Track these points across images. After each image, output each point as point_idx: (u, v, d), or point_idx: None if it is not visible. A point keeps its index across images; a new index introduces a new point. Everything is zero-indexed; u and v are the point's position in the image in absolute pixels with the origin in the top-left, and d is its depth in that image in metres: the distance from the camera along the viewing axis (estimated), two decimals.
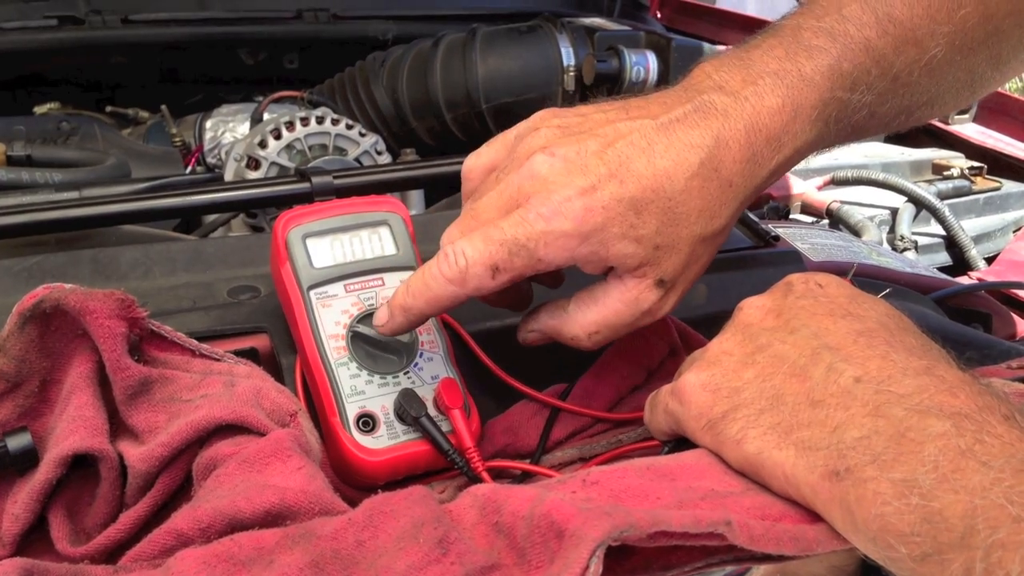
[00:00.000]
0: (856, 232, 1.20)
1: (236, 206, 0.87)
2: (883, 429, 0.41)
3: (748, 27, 1.57)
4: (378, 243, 0.62)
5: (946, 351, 0.47)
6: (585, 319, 0.56)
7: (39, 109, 1.31)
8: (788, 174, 1.27)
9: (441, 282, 0.53)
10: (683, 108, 0.54)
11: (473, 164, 0.60)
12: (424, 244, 0.64)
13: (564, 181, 0.52)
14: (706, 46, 1.40)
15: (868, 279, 0.72)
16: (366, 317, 0.59)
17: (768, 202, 1.20)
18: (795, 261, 0.80)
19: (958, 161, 1.47)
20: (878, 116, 0.58)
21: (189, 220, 1.10)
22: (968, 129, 1.57)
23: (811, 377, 0.46)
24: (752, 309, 0.52)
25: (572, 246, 0.53)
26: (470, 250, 0.52)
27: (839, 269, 0.54)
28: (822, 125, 0.56)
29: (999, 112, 1.58)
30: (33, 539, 0.50)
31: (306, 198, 0.76)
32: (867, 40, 0.55)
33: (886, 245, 1.23)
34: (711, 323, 0.62)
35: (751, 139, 0.54)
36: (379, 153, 1.13)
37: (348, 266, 0.60)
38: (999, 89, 1.57)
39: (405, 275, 0.61)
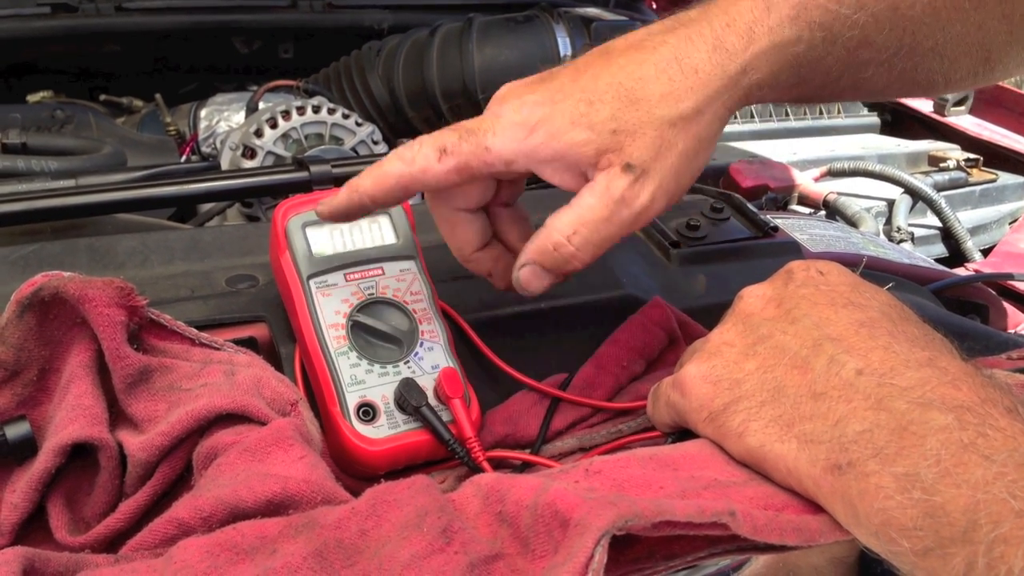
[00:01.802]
0: (853, 223, 1.20)
1: (234, 194, 0.87)
2: (885, 422, 0.41)
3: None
4: (378, 232, 0.62)
5: (949, 341, 0.46)
6: (561, 223, 0.55)
7: (32, 97, 1.30)
8: (786, 165, 1.27)
9: (391, 160, 0.55)
10: (648, 27, 0.56)
11: None
12: (423, 234, 0.64)
13: (520, 89, 0.55)
14: None
15: (868, 270, 0.72)
16: (366, 306, 0.59)
17: (766, 193, 1.19)
18: (794, 251, 0.80)
19: (954, 153, 1.47)
20: (876, 45, 0.56)
21: (184, 210, 1.09)
22: (964, 121, 1.57)
23: (813, 369, 0.46)
24: (753, 298, 0.52)
25: (520, 136, 0.53)
26: (425, 137, 0.55)
27: (839, 260, 0.53)
28: (804, 26, 0.54)
29: (995, 104, 1.58)
30: (32, 528, 0.50)
31: (305, 187, 0.75)
32: None
33: (883, 236, 1.23)
34: (710, 313, 0.63)
35: (717, 33, 0.54)
36: (375, 143, 1.12)
37: (348, 255, 0.60)
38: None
39: (405, 264, 0.61)
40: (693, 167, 0.56)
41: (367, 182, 0.55)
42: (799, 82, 0.57)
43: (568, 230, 0.54)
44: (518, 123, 0.53)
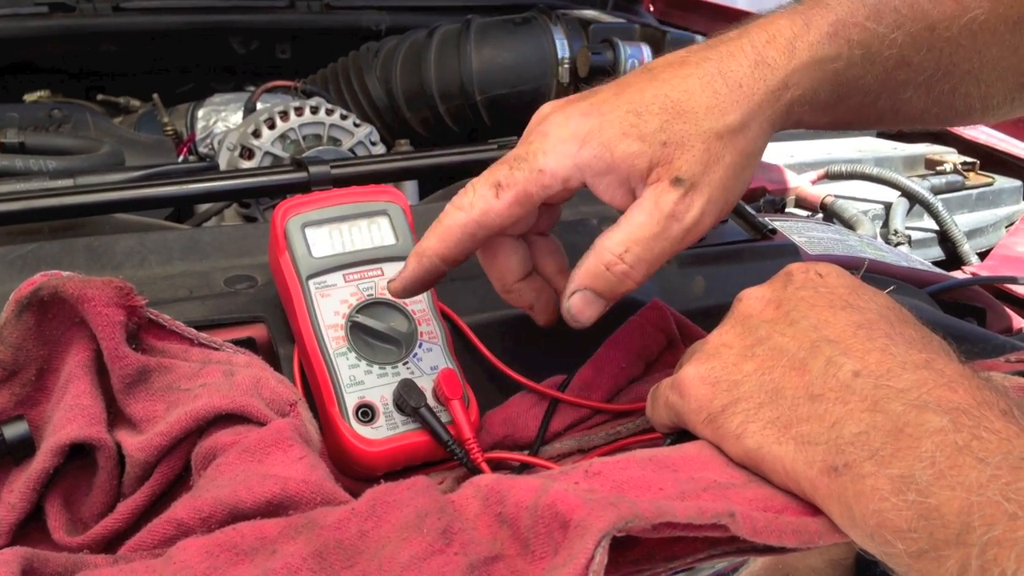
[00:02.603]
0: (850, 226, 1.20)
1: (233, 195, 0.87)
2: (881, 424, 0.41)
3: (741, 21, 1.57)
4: (377, 233, 0.62)
5: (947, 343, 0.47)
6: (611, 242, 0.53)
7: (29, 97, 1.29)
8: (783, 168, 1.27)
9: (450, 212, 0.54)
10: (689, 47, 0.56)
11: None
12: (422, 235, 0.64)
13: (563, 106, 0.55)
14: (700, 39, 1.40)
15: (868, 273, 0.72)
16: (365, 307, 0.59)
17: (764, 195, 1.20)
18: (792, 254, 0.80)
19: (951, 156, 1.47)
20: (914, 65, 0.56)
21: (181, 210, 1.09)
22: None
23: (810, 371, 0.46)
24: (752, 300, 0.52)
25: (572, 151, 0.52)
26: (476, 180, 0.54)
27: (839, 263, 0.54)
28: (843, 44, 0.54)
29: None
30: (29, 529, 0.50)
31: (303, 187, 0.75)
32: None
33: (880, 239, 1.23)
34: (709, 316, 0.63)
35: (758, 48, 0.54)
36: (373, 144, 1.12)
37: (347, 256, 0.60)
38: None
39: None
40: (740, 182, 0.55)
41: (432, 242, 0.54)
42: (838, 100, 0.57)
43: (620, 248, 0.53)
44: (567, 137, 0.52)
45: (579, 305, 0.55)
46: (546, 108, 0.56)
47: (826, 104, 0.56)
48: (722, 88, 0.53)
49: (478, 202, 0.53)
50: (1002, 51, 0.57)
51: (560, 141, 0.52)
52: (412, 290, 0.56)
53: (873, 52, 0.55)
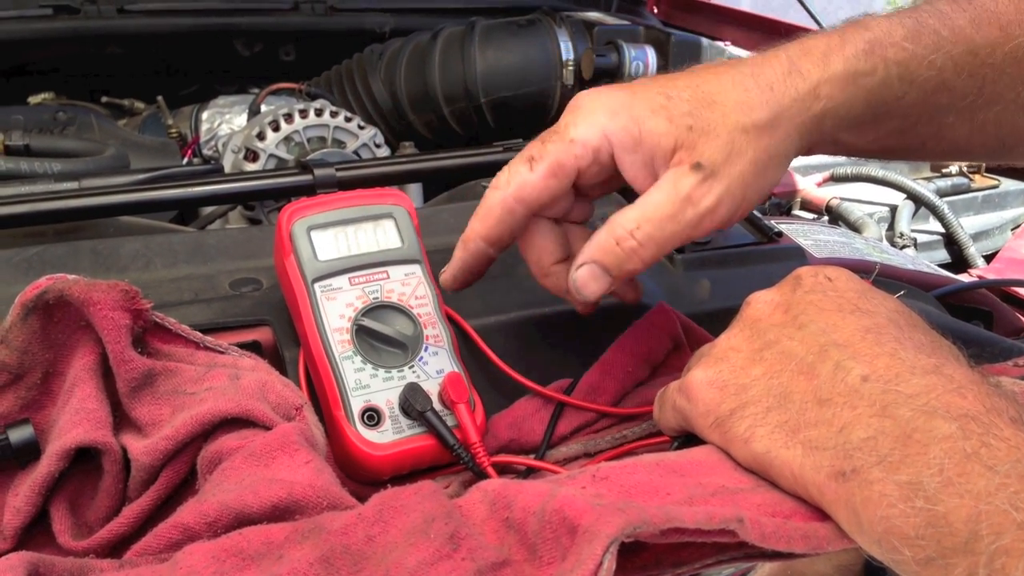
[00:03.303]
0: (856, 229, 1.20)
1: (238, 197, 0.87)
2: (889, 430, 0.41)
3: (744, 23, 1.57)
4: (383, 236, 0.61)
5: (957, 348, 0.46)
6: (625, 218, 0.54)
7: (34, 99, 1.29)
8: (789, 170, 1.27)
9: (488, 194, 0.55)
10: (726, 59, 0.58)
11: None
12: (428, 238, 0.64)
13: (598, 89, 0.56)
14: (705, 41, 1.40)
15: (876, 276, 0.72)
16: (371, 310, 0.59)
17: (769, 198, 1.20)
18: (798, 257, 0.80)
19: None
20: (954, 90, 0.56)
21: (185, 213, 1.09)
22: None
23: (818, 375, 0.45)
24: (760, 304, 0.52)
25: (602, 121, 0.53)
26: (511, 160, 0.55)
27: (846, 266, 0.53)
28: (879, 61, 0.55)
29: None
30: (35, 532, 0.49)
31: (308, 190, 0.75)
32: (939, 10, 0.56)
33: (885, 242, 1.23)
34: (715, 319, 0.62)
35: (793, 59, 0.55)
36: (378, 146, 1.12)
37: (353, 259, 0.60)
38: None
39: (410, 268, 0.61)
40: (761, 181, 0.55)
41: (475, 225, 0.56)
42: (875, 120, 0.57)
43: (632, 224, 0.53)
44: (598, 108, 0.54)
45: (584, 278, 0.55)
46: (579, 95, 0.57)
47: (861, 122, 0.56)
48: (753, 87, 0.54)
49: (514, 178, 0.54)
50: None
51: (591, 112, 0.54)
52: (463, 279, 0.58)
53: (911, 72, 0.55)
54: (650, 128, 0.53)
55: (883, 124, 0.57)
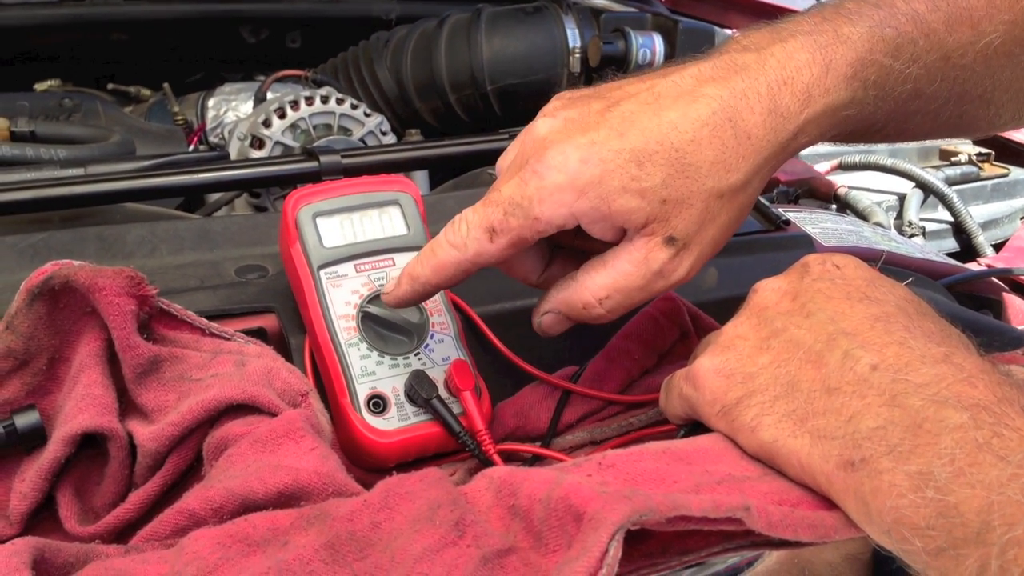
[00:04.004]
0: (864, 217, 1.19)
1: (244, 184, 0.87)
2: (899, 419, 0.40)
3: (753, 11, 1.56)
4: (388, 223, 0.61)
5: (966, 337, 0.46)
6: (594, 283, 0.54)
7: (40, 86, 1.29)
8: (796, 158, 1.26)
9: (444, 247, 0.53)
10: (700, 67, 0.53)
11: (500, 159, 0.59)
12: (433, 224, 0.64)
13: (561, 138, 0.52)
14: (712, 28, 1.39)
15: (885, 264, 0.71)
16: (376, 297, 0.59)
17: (777, 186, 1.19)
18: (806, 245, 0.79)
19: (965, 147, 1.46)
20: (925, 96, 0.56)
21: (191, 199, 1.09)
22: None
23: (827, 364, 0.45)
24: (768, 291, 0.52)
25: (569, 200, 0.51)
26: (470, 214, 0.53)
27: (854, 254, 0.53)
28: (859, 86, 0.53)
29: None
30: (41, 518, 0.50)
31: (314, 177, 0.75)
32: (916, 12, 0.54)
33: (894, 231, 1.22)
34: (722, 307, 0.62)
35: (773, 91, 0.52)
36: (384, 134, 1.12)
37: (358, 246, 0.60)
38: None
39: (415, 255, 0.61)
40: (729, 234, 0.55)
41: (427, 272, 0.54)
42: (843, 136, 0.57)
43: (601, 293, 0.54)
44: (564, 185, 0.51)
45: (550, 323, 0.57)
46: (542, 128, 0.53)
47: (829, 139, 0.56)
48: (730, 140, 0.51)
49: (471, 244, 0.53)
50: (1016, 72, 0.56)
51: (557, 189, 0.51)
52: (404, 306, 0.57)
53: (887, 91, 0.54)
54: (620, 206, 0.51)
55: (849, 136, 0.57)
